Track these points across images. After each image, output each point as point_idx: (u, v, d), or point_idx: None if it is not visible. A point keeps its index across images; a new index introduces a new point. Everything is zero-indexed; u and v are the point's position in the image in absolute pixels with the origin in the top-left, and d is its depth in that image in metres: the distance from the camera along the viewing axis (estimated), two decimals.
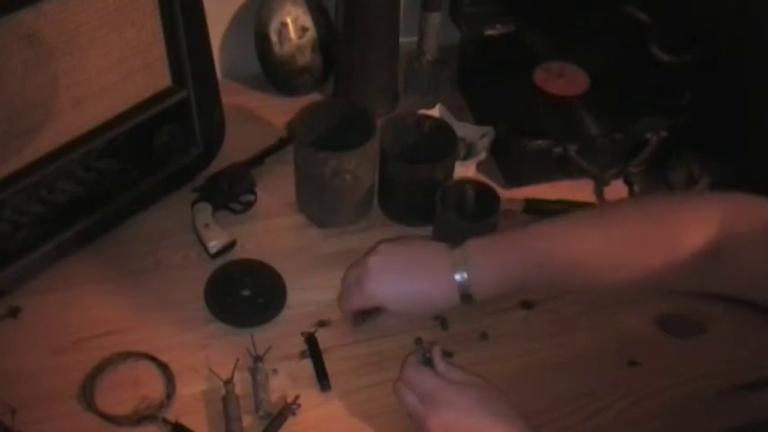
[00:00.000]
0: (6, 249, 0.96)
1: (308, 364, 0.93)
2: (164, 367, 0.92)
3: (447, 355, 0.92)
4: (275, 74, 1.24)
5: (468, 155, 1.13)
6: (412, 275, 0.88)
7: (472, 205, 1.00)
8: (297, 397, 0.89)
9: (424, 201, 1.03)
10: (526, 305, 1.01)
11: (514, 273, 0.85)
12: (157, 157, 1.07)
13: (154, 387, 0.90)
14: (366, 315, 0.92)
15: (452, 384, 0.81)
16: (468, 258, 0.86)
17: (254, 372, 0.90)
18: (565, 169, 1.13)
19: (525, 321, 0.99)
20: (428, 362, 0.85)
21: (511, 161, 1.14)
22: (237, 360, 0.92)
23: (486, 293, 0.86)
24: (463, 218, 1.00)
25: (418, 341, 0.95)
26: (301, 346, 0.95)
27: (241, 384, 0.90)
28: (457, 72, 1.29)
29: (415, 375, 0.82)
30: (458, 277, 0.85)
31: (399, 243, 0.92)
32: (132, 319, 0.96)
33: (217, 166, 1.12)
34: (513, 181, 1.14)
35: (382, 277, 0.88)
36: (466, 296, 0.86)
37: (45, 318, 0.96)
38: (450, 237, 0.97)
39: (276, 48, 1.20)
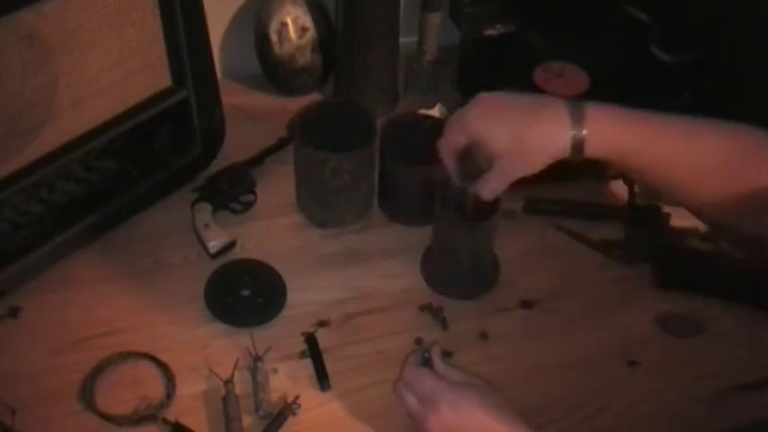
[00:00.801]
0: (6, 249, 0.96)
1: (308, 364, 0.93)
2: (164, 367, 0.92)
3: (447, 355, 0.92)
4: (275, 74, 1.24)
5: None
6: (524, 118, 0.82)
7: (472, 205, 1.00)
8: (297, 397, 0.89)
9: (424, 201, 1.03)
10: (526, 305, 1.01)
11: (629, 135, 0.81)
12: (157, 157, 1.07)
13: (154, 387, 0.90)
14: (466, 167, 0.87)
15: (452, 385, 0.81)
16: (587, 112, 0.80)
17: (254, 372, 0.90)
18: (565, 169, 1.12)
19: (525, 321, 0.99)
20: (427, 362, 0.85)
21: None
22: (237, 360, 0.92)
23: (597, 151, 0.81)
24: (463, 218, 1.00)
25: (418, 341, 0.95)
26: (301, 346, 0.95)
27: (241, 384, 0.90)
28: (457, 72, 1.29)
29: (415, 376, 0.82)
30: (574, 132, 0.80)
31: (506, 93, 0.86)
32: (132, 319, 0.96)
33: (217, 166, 1.12)
34: (513, 181, 1.14)
35: (489, 114, 0.83)
36: (578, 146, 0.80)
37: (45, 318, 0.96)
38: (450, 237, 0.97)
39: (276, 48, 1.20)
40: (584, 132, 0.80)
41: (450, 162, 0.88)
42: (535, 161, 0.83)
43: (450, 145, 0.87)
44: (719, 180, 0.80)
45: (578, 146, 0.80)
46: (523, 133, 0.82)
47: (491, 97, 0.85)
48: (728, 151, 0.80)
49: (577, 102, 0.82)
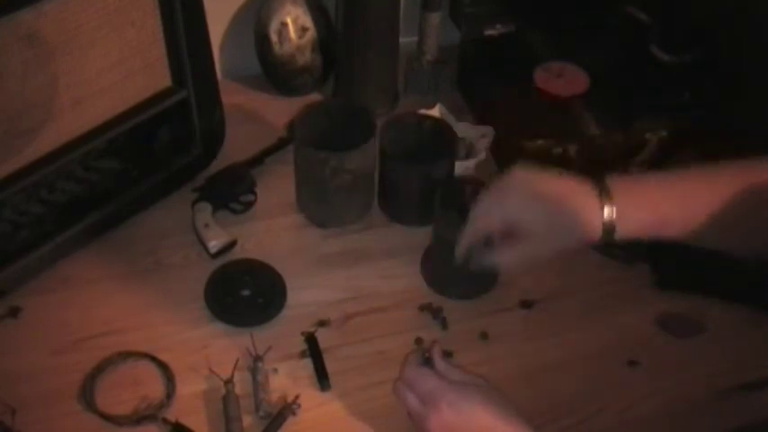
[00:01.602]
0: (6, 249, 0.96)
1: (308, 364, 0.93)
2: (164, 367, 0.92)
3: (447, 355, 0.92)
4: (275, 74, 1.24)
5: (468, 155, 1.13)
6: (557, 196, 0.81)
7: (472, 205, 1.00)
8: (297, 397, 0.89)
9: (424, 201, 1.03)
10: (526, 305, 1.01)
11: (658, 213, 0.80)
12: (157, 157, 1.07)
13: (154, 387, 0.90)
14: (487, 250, 0.86)
15: (452, 384, 0.81)
16: (614, 193, 0.79)
17: (254, 372, 0.90)
18: (565, 169, 1.12)
19: (525, 321, 0.99)
20: (428, 362, 0.85)
21: (511, 161, 1.14)
22: (237, 360, 0.92)
23: (629, 232, 0.80)
24: (463, 218, 1.00)
25: (418, 341, 0.96)
26: (301, 345, 0.95)
27: (241, 384, 0.90)
28: (457, 72, 1.29)
29: (416, 375, 0.82)
30: (606, 210, 0.79)
31: (536, 171, 0.85)
32: (132, 319, 0.96)
33: (217, 166, 1.12)
34: None
35: (526, 194, 0.82)
36: (609, 230, 0.79)
37: (45, 318, 0.96)
38: (450, 237, 0.97)
39: (276, 48, 1.20)
40: (614, 209, 0.79)
41: (471, 238, 0.88)
42: (563, 245, 0.83)
43: (484, 224, 0.86)
44: (744, 218, 0.79)
45: (609, 224, 0.79)
46: (559, 219, 0.81)
47: (526, 174, 0.84)
48: (749, 192, 0.79)
49: (603, 185, 0.81)
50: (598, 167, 1.10)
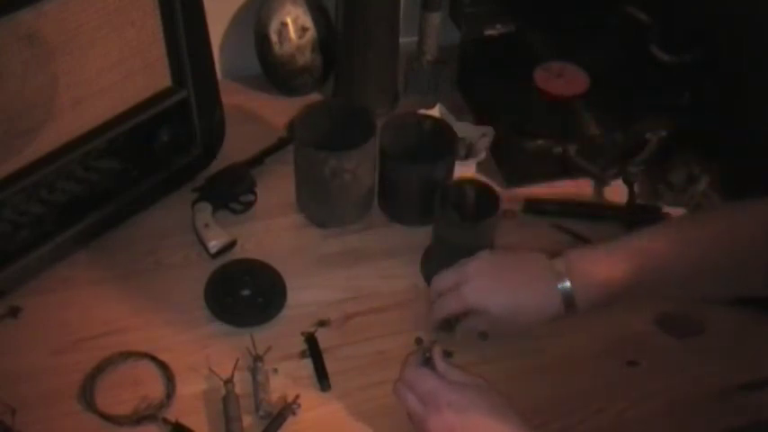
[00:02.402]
0: (6, 249, 0.96)
1: (308, 364, 0.93)
2: (164, 367, 0.92)
3: (447, 355, 0.92)
4: (275, 74, 1.24)
5: (468, 155, 1.13)
6: (515, 281, 0.88)
7: (472, 205, 1.00)
8: (297, 397, 0.89)
9: (424, 201, 1.03)
10: None
11: (617, 279, 0.85)
12: (157, 157, 1.07)
13: (154, 387, 0.90)
14: (454, 322, 0.92)
15: (453, 385, 0.81)
16: (571, 268, 0.85)
17: (254, 372, 0.90)
18: (565, 169, 1.13)
19: None
20: (428, 362, 0.85)
21: (511, 161, 1.14)
22: (237, 360, 0.92)
23: (589, 301, 0.86)
24: (463, 218, 1.00)
25: (418, 341, 0.95)
26: (301, 345, 0.95)
27: (241, 384, 0.90)
28: (457, 72, 1.29)
29: (416, 376, 0.82)
30: (561, 286, 0.85)
31: (498, 252, 0.93)
32: (132, 319, 0.96)
33: (217, 166, 1.12)
34: (513, 181, 1.14)
35: (484, 282, 0.88)
36: (570, 305, 0.85)
37: (45, 318, 0.96)
38: (451, 237, 0.97)
39: (276, 48, 1.20)
40: (569, 284, 0.85)
41: (436, 320, 0.93)
42: (530, 321, 0.88)
43: (444, 310, 0.91)
44: (717, 265, 0.85)
45: (569, 298, 0.85)
46: (516, 291, 0.87)
47: (486, 258, 0.90)
48: (717, 238, 0.85)
49: (557, 257, 0.87)
50: (598, 167, 1.11)
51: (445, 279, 0.90)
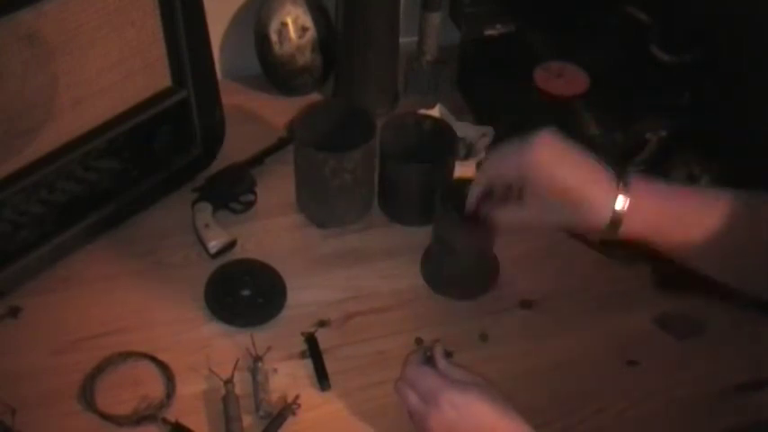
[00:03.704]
0: (6, 249, 0.96)
1: (308, 364, 0.93)
2: (164, 367, 0.92)
3: (447, 354, 0.92)
4: (275, 74, 1.24)
5: (468, 155, 1.13)
6: (576, 174, 0.79)
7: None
8: (297, 397, 0.89)
9: (424, 201, 1.03)
10: (526, 305, 1.01)
11: (667, 219, 0.78)
12: (157, 157, 1.07)
13: (154, 387, 0.90)
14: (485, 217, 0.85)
15: (454, 383, 0.81)
16: (631, 190, 0.77)
17: (254, 372, 0.90)
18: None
19: (525, 321, 0.99)
20: (430, 361, 0.85)
21: None
22: (237, 360, 0.92)
23: (633, 230, 0.78)
24: (463, 218, 1.00)
25: (418, 341, 0.95)
26: (301, 345, 0.95)
27: (241, 384, 0.90)
28: (457, 72, 1.29)
29: (417, 374, 0.82)
30: (619, 202, 0.77)
31: (564, 140, 0.83)
32: (132, 319, 0.96)
33: (217, 166, 1.12)
34: None
35: (549, 158, 0.79)
36: (615, 223, 0.77)
37: (45, 318, 0.96)
38: (451, 237, 0.97)
39: (276, 48, 1.20)
40: (626, 202, 0.78)
41: (480, 188, 0.86)
42: (566, 222, 0.81)
43: (498, 172, 0.84)
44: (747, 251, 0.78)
45: (618, 215, 0.78)
46: (574, 193, 0.79)
47: (554, 139, 0.82)
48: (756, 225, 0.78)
49: (624, 178, 0.79)
50: None
51: (503, 147, 0.83)
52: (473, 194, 0.84)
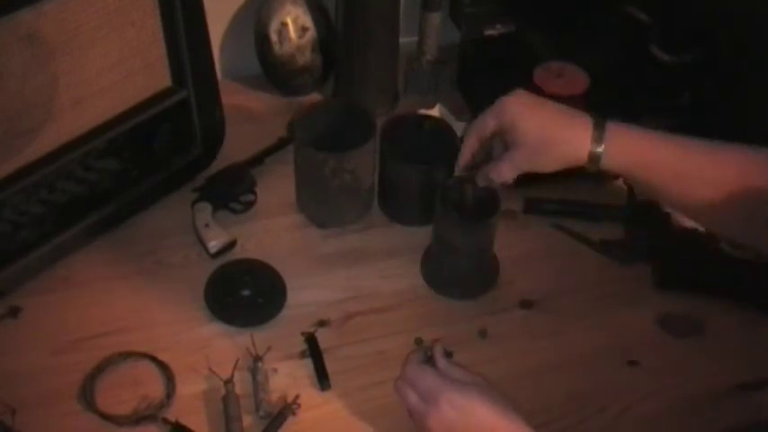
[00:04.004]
0: (6, 249, 0.96)
1: (308, 364, 0.93)
2: (164, 367, 0.92)
3: (447, 354, 0.92)
4: (275, 74, 1.24)
5: None
6: (553, 113, 0.88)
7: (472, 205, 1.00)
8: (297, 397, 0.89)
9: (424, 201, 1.03)
10: (526, 305, 1.01)
11: (644, 154, 0.85)
12: (157, 157, 1.07)
13: (154, 387, 0.90)
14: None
15: (453, 383, 0.81)
16: (606, 127, 0.85)
17: (254, 372, 0.90)
18: (565, 169, 1.12)
19: (525, 321, 0.99)
20: (430, 360, 0.85)
21: None
22: (237, 360, 0.91)
23: (611, 166, 0.86)
24: (463, 218, 1.00)
25: (418, 341, 0.95)
26: (301, 345, 0.95)
27: (241, 384, 0.90)
28: (457, 72, 1.29)
29: (417, 373, 0.82)
30: (596, 132, 0.85)
31: (536, 96, 0.92)
32: (132, 319, 0.96)
33: (217, 166, 1.12)
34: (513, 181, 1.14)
35: (528, 106, 0.88)
36: (593, 158, 0.85)
37: (45, 318, 0.96)
38: (451, 237, 0.97)
39: (276, 48, 1.20)
40: (601, 148, 0.85)
41: (470, 143, 0.91)
42: (551, 162, 0.88)
43: (480, 125, 0.90)
44: (735, 192, 0.82)
45: (596, 154, 0.85)
46: (551, 132, 0.86)
47: (529, 94, 0.90)
48: (745, 165, 0.83)
49: (601, 118, 0.86)
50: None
51: (488, 108, 0.90)
52: (464, 151, 0.89)
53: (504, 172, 0.89)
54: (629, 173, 0.87)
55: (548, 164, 0.88)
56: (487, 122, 0.89)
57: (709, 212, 0.84)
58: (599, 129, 0.85)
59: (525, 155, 0.88)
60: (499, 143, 0.91)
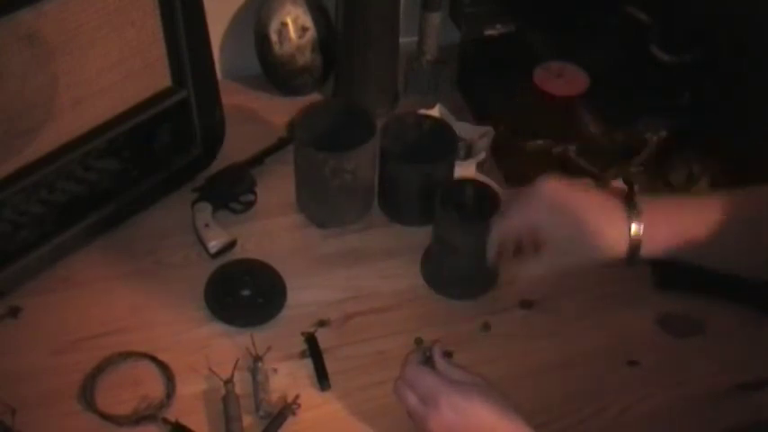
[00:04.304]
0: (6, 249, 0.96)
1: (308, 364, 0.93)
2: (164, 367, 0.92)
3: (447, 354, 0.92)
4: (275, 74, 1.24)
5: (468, 155, 1.13)
6: (584, 209, 0.80)
7: (472, 205, 1.00)
8: (297, 397, 0.89)
9: (424, 201, 1.03)
10: (526, 305, 1.01)
11: (684, 233, 0.79)
12: (157, 157, 1.07)
13: (154, 387, 0.90)
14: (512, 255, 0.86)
15: (453, 384, 0.81)
16: (642, 212, 0.78)
17: (254, 372, 0.90)
18: (565, 169, 1.13)
19: (525, 321, 0.99)
20: (429, 361, 0.85)
21: (511, 161, 1.14)
22: (237, 360, 0.92)
23: (654, 250, 0.79)
24: (463, 218, 1.00)
25: (418, 341, 0.95)
26: (301, 345, 0.95)
27: (241, 384, 0.90)
28: (457, 72, 1.29)
29: (416, 375, 0.82)
30: (634, 227, 0.78)
31: (564, 182, 0.84)
32: (132, 319, 0.96)
33: (217, 166, 1.12)
34: (513, 181, 1.14)
35: (551, 202, 0.81)
36: (635, 248, 0.78)
37: (45, 318, 0.96)
38: (451, 237, 0.97)
39: (276, 48, 1.20)
40: (642, 227, 0.79)
41: (495, 241, 0.87)
42: (586, 260, 0.82)
43: (507, 230, 0.86)
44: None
45: (635, 242, 0.79)
46: (583, 219, 0.80)
47: (554, 183, 0.83)
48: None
49: (632, 202, 0.80)
50: (598, 167, 1.11)
51: (511, 201, 0.84)
52: (489, 248, 0.83)
53: (532, 272, 0.85)
54: (677, 254, 0.80)
55: (581, 261, 0.82)
56: (512, 224, 0.84)
57: (748, 262, 0.80)
58: (633, 211, 0.78)
59: (557, 254, 0.82)
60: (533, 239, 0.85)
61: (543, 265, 0.84)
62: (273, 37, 1.20)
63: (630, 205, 0.79)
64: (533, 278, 0.85)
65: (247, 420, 0.87)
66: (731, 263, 0.82)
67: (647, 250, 0.79)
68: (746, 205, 0.79)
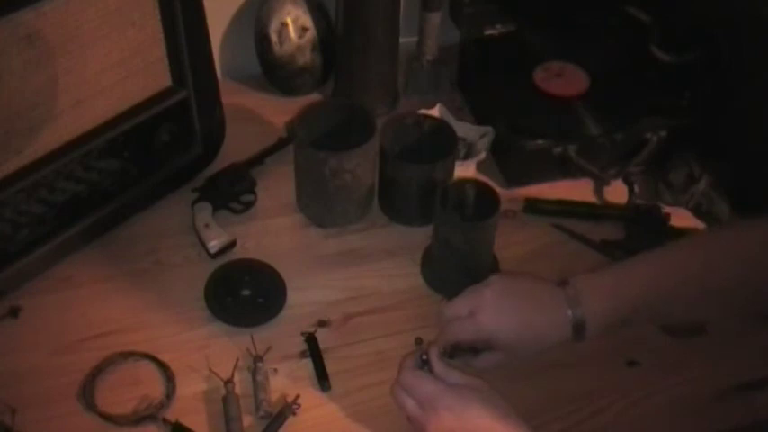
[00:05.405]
0: (6, 249, 0.96)
1: (308, 364, 0.93)
2: (164, 367, 0.92)
3: (446, 354, 0.92)
4: (275, 74, 1.24)
5: (468, 155, 1.13)
6: (527, 309, 0.86)
7: (472, 205, 1.00)
8: (297, 397, 0.89)
9: (424, 201, 1.03)
10: None
11: (624, 306, 0.85)
12: (157, 157, 1.07)
13: (154, 387, 0.90)
14: (459, 350, 0.89)
15: (451, 389, 0.80)
16: (580, 293, 0.85)
17: (254, 372, 0.90)
18: (565, 169, 1.13)
19: None
20: (425, 363, 0.85)
21: (511, 161, 1.14)
22: (237, 360, 0.92)
23: (598, 327, 0.85)
24: (463, 218, 1.00)
25: (418, 341, 0.95)
26: (301, 346, 0.95)
27: (241, 384, 0.90)
28: (457, 72, 1.29)
29: (413, 380, 0.82)
30: (572, 312, 0.84)
31: (507, 277, 0.91)
32: (132, 319, 0.96)
33: (217, 166, 1.12)
34: (513, 181, 1.14)
35: (499, 309, 0.86)
36: (579, 330, 0.84)
37: (45, 318, 0.96)
38: (451, 237, 0.97)
39: (276, 48, 1.20)
40: (580, 310, 0.84)
41: (445, 342, 0.88)
42: (538, 347, 0.87)
43: (457, 340, 0.88)
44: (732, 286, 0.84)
45: (579, 324, 0.84)
46: (528, 320, 0.86)
47: (500, 284, 0.88)
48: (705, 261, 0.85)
49: (569, 285, 0.86)
50: (598, 167, 1.11)
51: (458, 305, 0.88)
52: (434, 357, 0.85)
53: (487, 366, 0.88)
54: (631, 321, 0.86)
55: (535, 350, 0.87)
56: (466, 335, 0.87)
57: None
58: (571, 299, 0.84)
59: (511, 351, 0.87)
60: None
61: (498, 360, 0.88)
62: (273, 37, 1.20)
63: (568, 292, 0.85)
64: (490, 370, 0.88)
65: (247, 420, 0.87)
66: (696, 314, 0.90)
67: (594, 327, 0.85)
68: (681, 257, 0.86)
